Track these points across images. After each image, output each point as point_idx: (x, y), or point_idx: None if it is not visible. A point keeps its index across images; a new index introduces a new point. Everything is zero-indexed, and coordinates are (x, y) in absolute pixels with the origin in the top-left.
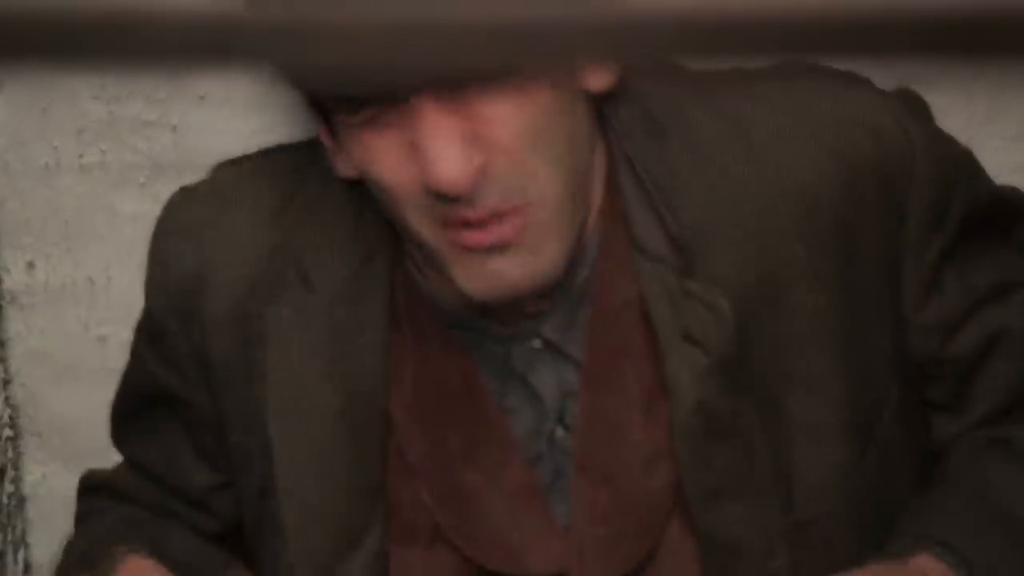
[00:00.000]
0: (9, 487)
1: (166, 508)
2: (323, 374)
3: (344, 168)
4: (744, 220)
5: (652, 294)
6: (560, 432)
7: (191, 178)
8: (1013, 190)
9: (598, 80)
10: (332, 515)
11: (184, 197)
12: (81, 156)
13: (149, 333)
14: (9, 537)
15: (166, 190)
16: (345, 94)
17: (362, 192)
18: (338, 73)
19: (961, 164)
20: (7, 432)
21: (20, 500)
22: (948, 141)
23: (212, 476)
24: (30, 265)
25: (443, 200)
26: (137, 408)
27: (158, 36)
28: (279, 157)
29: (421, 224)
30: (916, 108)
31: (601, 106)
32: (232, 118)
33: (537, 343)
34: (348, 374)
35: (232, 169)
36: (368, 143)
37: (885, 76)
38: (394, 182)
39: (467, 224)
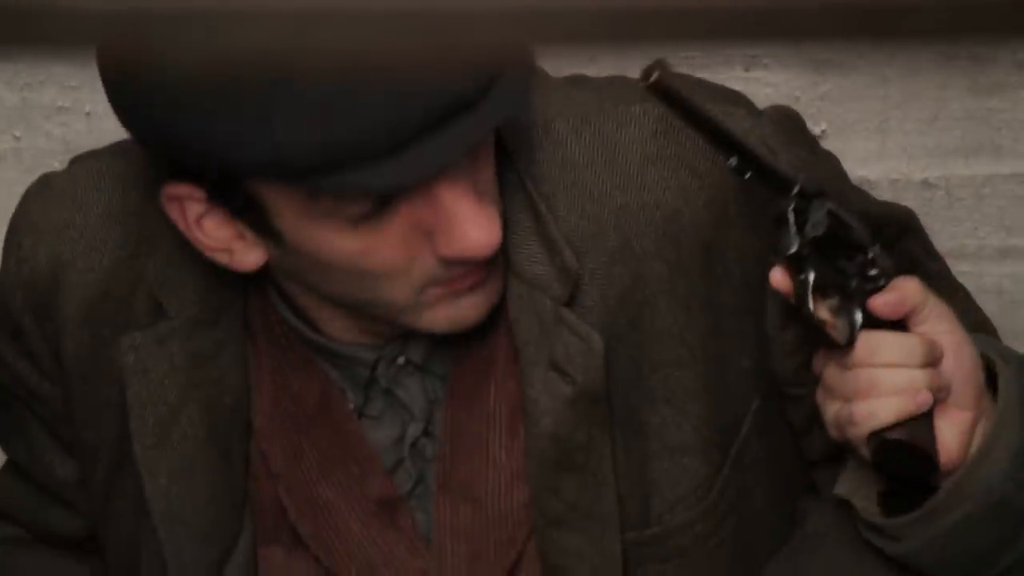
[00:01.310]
0: None
1: (38, 515)
2: (186, 398)
3: (250, 260)
4: (609, 242)
5: (520, 319)
6: (423, 440)
7: None
8: (889, 207)
9: None
10: (206, 530)
11: (40, 192)
12: None
13: (6, 329)
14: None
15: None
16: (359, 189)
17: None
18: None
19: (828, 183)
20: None
21: None
22: (816, 161)
23: (74, 470)
24: None
25: (463, 264)
26: (4, 403)
27: (71, 23)
28: (135, 155)
29: (404, 294)
30: (787, 128)
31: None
32: None
33: (402, 360)
34: (210, 394)
35: (88, 165)
36: (368, 235)
37: (801, 60)
38: (398, 267)
39: (465, 273)
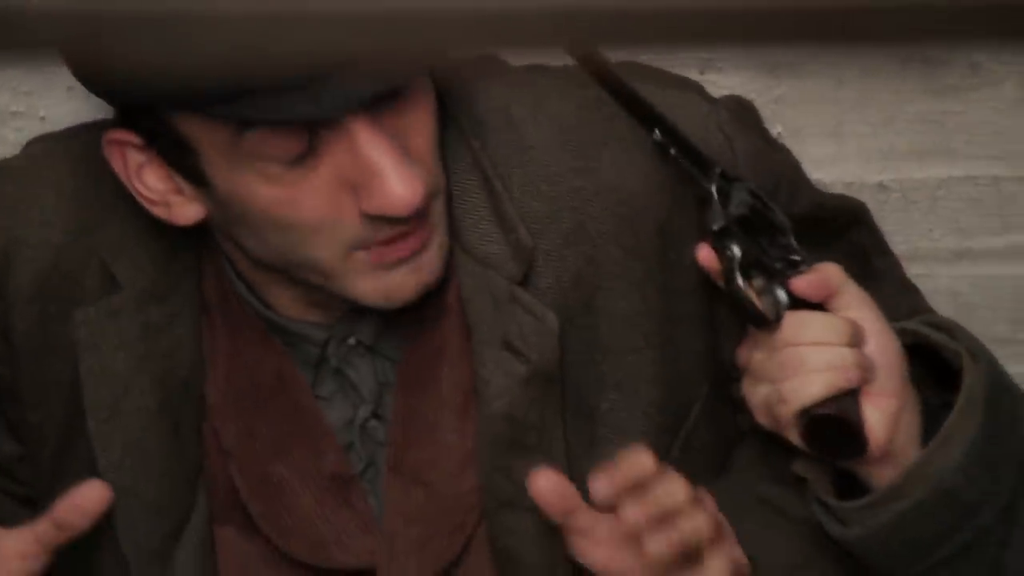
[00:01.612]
0: None
1: None
2: (138, 370)
3: (188, 214)
4: (565, 224)
5: (473, 298)
6: (373, 423)
7: None
8: (842, 199)
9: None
10: (159, 505)
11: None
12: None
13: None
14: None
15: None
16: (273, 117)
17: None
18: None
19: (782, 176)
20: None
21: None
22: (771, 151)
23: (16, 447)
24: None
25: (388, 222)
26: None
27: (24, 27)
28: (91, 136)
29: (331, 253)
30: (743, 116)
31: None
32: (100, 108)
33: (352, 341)
34: (162, 367)
35: (43, 146)
36: (294, 184)
37: (756, 63)
38: (324, 220)
39: (391, 239)
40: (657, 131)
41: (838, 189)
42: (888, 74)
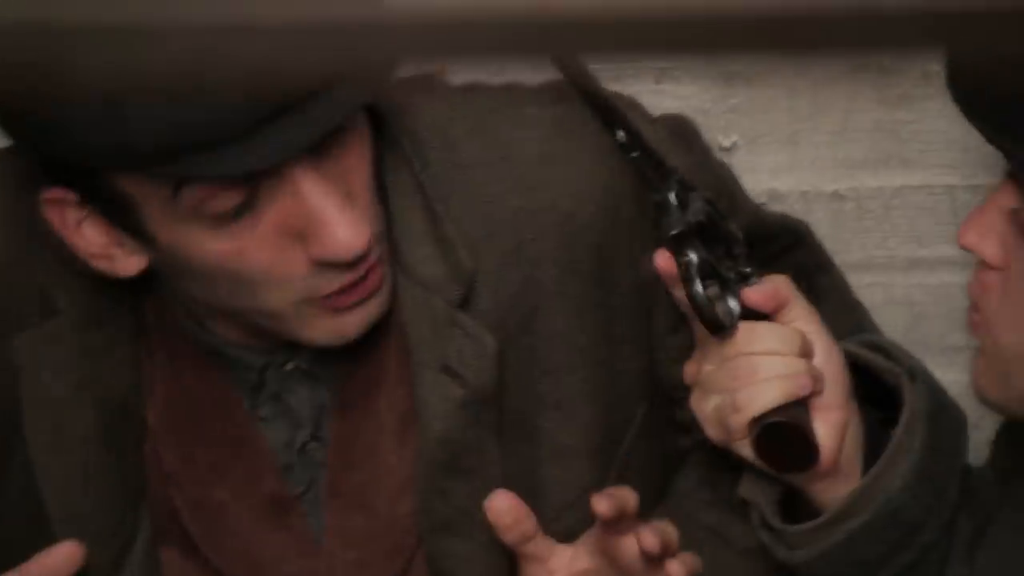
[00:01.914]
0: None
1: None
2: (78, 395)
3: (131, 267)
4: (503, 244)
5: (412, 321)
6: (313, 444)
7: None
8: (784, 218)
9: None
10: (104, 530)
11: None
12: None
13: None
14: None
15: None
16: (211, 173)
17: None
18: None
19: (721, 191)
20: None
21: None
22: (709, 167)
23: None
24: None
25: (336, 267)
26: None
27: None
28: (23, 159)
29: (282, 302)
30: (681, 134)
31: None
32: None
33: (290, 366)
34: (102, 391)
35: None
36: (238, 235)
37: (711, 73)
38: (271, 269)
39: (343, 288)
40: (621, 132)
41: (794, 198)
42: (842, 83)
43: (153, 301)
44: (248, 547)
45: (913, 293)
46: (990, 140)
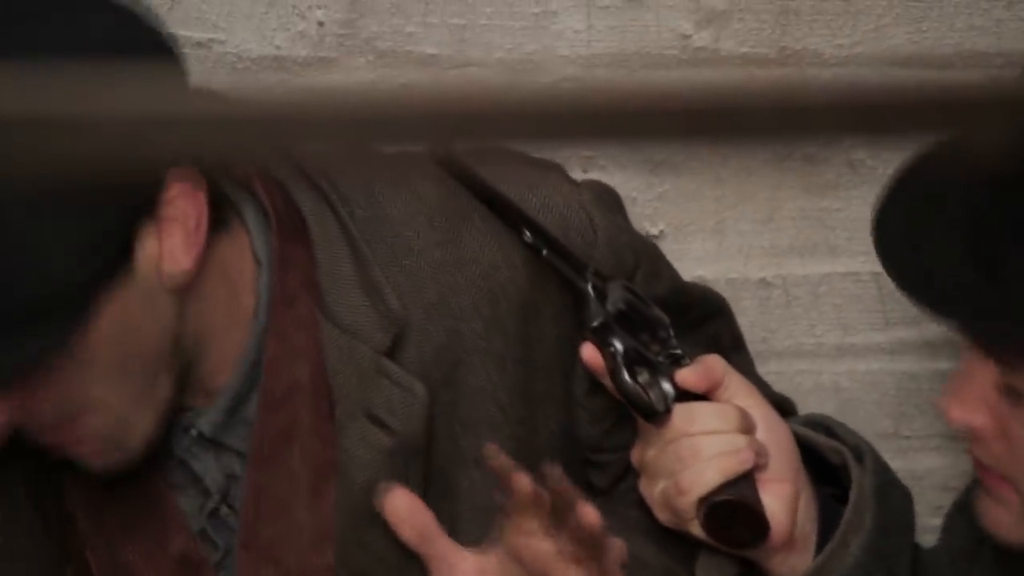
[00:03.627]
0: None
1: None
2: (3, 457)
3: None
4: (428, 296)
5: (338, 370)
6: (225, 510)
7: None
8: (704, 289)
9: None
10: None
11: None
12: None
13: None
14: None
15: None
16: None
17: None
18: None
19: (642, 256)
20: None
21: None
22: (632, 233)
23: None
24: None
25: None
26: None
27: None
28: None
29: None
30: (604, 199)
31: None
32: None
33: (195, 432)
34: (28, 453)
35: None
36: None
37: (637, 161)
38: None
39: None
40: (527, 232)
41: (721, 286)
42: (767, 172)
43: None
44: None
45: (841, 380)
46: (942, 321)
